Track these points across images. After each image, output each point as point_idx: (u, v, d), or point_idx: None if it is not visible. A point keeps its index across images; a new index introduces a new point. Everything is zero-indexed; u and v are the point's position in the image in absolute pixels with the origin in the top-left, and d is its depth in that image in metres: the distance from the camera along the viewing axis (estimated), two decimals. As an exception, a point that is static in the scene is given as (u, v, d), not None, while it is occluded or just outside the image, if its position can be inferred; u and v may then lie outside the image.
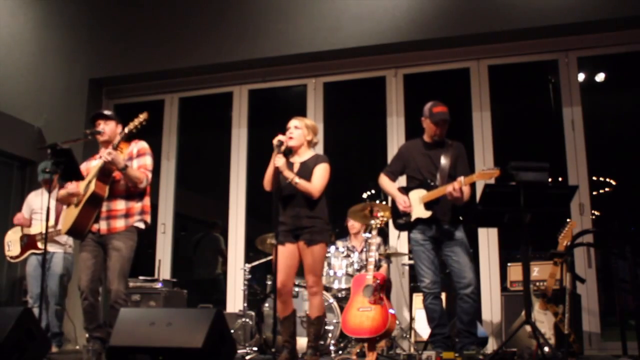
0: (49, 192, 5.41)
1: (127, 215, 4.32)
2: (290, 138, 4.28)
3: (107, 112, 4.55)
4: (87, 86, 7.35)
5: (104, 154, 4.19)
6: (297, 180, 4.13)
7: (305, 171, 4.22)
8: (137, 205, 4.36)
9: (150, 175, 4.38)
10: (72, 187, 4.36)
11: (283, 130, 4.35)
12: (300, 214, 4.19)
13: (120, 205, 4.32)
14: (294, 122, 4.36)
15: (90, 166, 4.49)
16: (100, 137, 4.46)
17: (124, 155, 4.34)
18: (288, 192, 4.21)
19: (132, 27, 7.35)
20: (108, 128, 4.46)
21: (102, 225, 4.29)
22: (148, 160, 4.41)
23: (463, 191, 4.36)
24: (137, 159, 4.39)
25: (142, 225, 4.39)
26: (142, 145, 4.47)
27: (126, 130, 4.30)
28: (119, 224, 4.30)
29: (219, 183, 7.25)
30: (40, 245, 5.68)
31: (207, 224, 8.19)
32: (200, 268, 8.11)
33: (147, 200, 4.45)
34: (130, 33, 7.33)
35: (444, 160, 4.54)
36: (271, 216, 4.21)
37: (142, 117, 4.32)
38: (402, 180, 4.96)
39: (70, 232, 4.38)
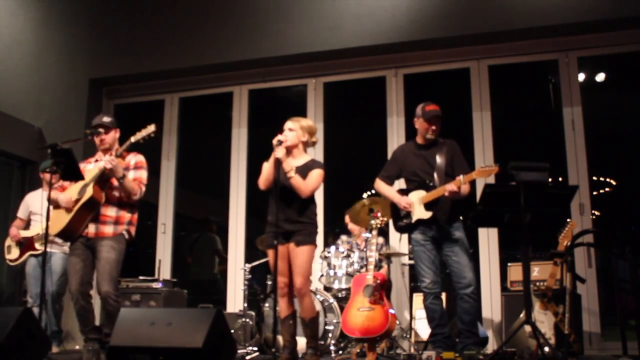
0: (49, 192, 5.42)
1: (117, 222, 4.36)
2: (285, 140, 4.27)
3: (106, 121, 4.53)
4: (87, 86, 7.35)
5: (106, 161, 4.19)
6: (292, 174, 4.14)
7: (301, 175, 4.21)
8: (127, 215, 4.41)
9: (144, 189, 4.43)
10: (62, 197, 4.34)
11: (282, 131, 4.35)
12: (293, 218, 4.20)
13: (111, 211, 4.35)
14: (288, 124, 4.35)
15: (85, 169, 4.49)
16: (101, 145, 4.49)
17: (122, 164, 4.37)
18: (283, 194, 4.20)
19: (132, 27, 7.35)
20: (109, 138, 4.50)
21: (91, 229, 4.32)
22: (144, 174, 4.46)
23: (461, 188, 4.37)
24: (134, 171, 4.43)
25: (126, 235, 4.42)
26: (140, 158, 4.50)
27: (133, 140, 4.30)
28: (108, 229, 4.33)
29: (219, 183, 7.25)
30: (38, 246, 5.68)
31: (201, 223, 8.19)
32: (197, 268, 8.11)
33: (136, 213, 4.50)
34: (130, 33, 7.33)
35: (439, 159, 4.55)
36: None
37: (151, 129, 4.30)
38: (401, 184, 4.96)
39: (60, 235, 4.40)
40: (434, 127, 4.58)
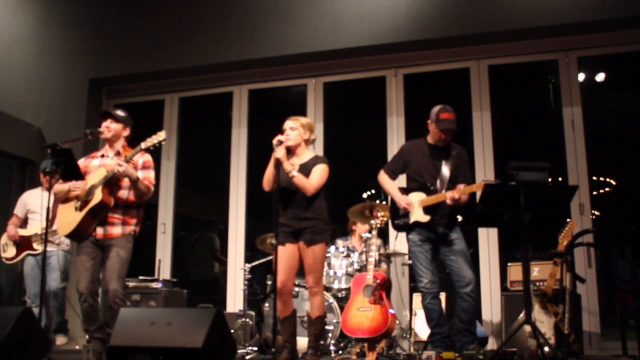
0: (49, 191, 5.42)
1: (124, 223, 4.35)
2: (288, 139, 4.28)
3: (118, 114, 4.52)
4: (87, 86, 7.35)
5: (116, 167, 4.17)
6: (294, 173, 4.14)
7: (304, 172, 4.22)
8: (134, 215, 4.41)
9: (153, 188, 4.44)
10: (74, 182, 4.34)
11: (282, 131, 4.35)
12: (301, 216, 4.19)
13: (118, 213, 4.34)
14: (289, 123, 4.36)
15: (90, 165, 4.48)
16: (103, 135, 4.47)
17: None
18: (288, 193, 4.20)
19: (132, 27, 7.35)
20: (114, 127, 4.47)
21: (99, 231, 4.31)
22: (152, 174, 4.45)
23: (461, 198, 4.37)
24: (142, 171, 4.40)
25: (132, 234, 4.42)
26: (147, 157, 4.48)
27: (143, 146, 4.28)
28: (116, 230, 4.32)
29: (219, 183, 7.25)
30: (35, 246, 5.68)
31: (203, 223, 8.19)
32: (197, 268, 8.11)
33: (142, 212, 4.50)
34: (130, 33, 7.33)
35: (445, 167, 4.54)
36: (271, 216, 4.21)
37: (162, 136, 4.27)
38: (402, 181, 4.96)
39: (70, 236, 4.39)
40: (444, 137, 4.56)
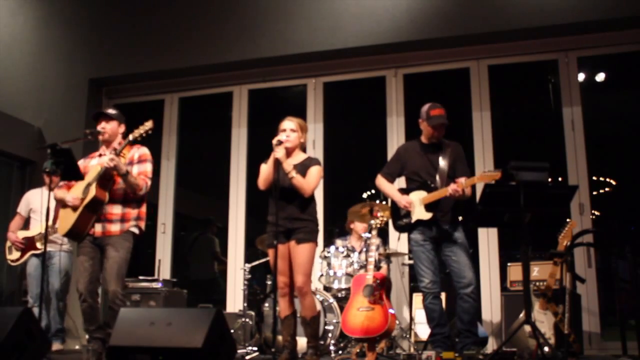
0: (50, 191, 5.43)
1: (123, 220, 4.32)
2: (288, 140, 4.28)
3: (109, 112, 4.54)
4: (87, 86, 7.35)
5: (106, 160, 4.17)
6: (293, 174, 4.15)
7: (299, 173, 4.22)
8: (133, 211, 4.36)
9: (149, 182, 4.38)
10: (69, 197, 4.32)
11: (282, 131, 4.35)
12: (294, 216, 4.21)
13: (116, 209, 4.31)
14: (289, 125, 4.35)
15: (89, 165, 4.48)
16: (101, 136, 4.47)
17: (125, 160, 4.34)
18: (284, 193, 4.20)
19: (132, 27, 7.35)
20: (109, 127, 4.46)
21: (97, 228, 4.29)
22: (149, 167, 4.40)
23: (465, 191, 4.38)
24: (138, 165, 4.38)
25: (136, 231, 4.38)
26: (143, 151, 4.46)
27: (130, 137, 4.29)
28: (114, 228, 4.29)
29: (219, 183, 7.25)
30: (39, 245, 5.68)
31: (201, 222, 8.18)
32: (197, 268, 8.10)
33: (143, 207, 4.45)
34: (130, 33, 7.33)
35: (442, 162, 4.55)
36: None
37: (148, 125, 4.29)
38: (401, 183, 4.96)
39: (68, 235, 4.38)
40: (437, 134, 4.58)
